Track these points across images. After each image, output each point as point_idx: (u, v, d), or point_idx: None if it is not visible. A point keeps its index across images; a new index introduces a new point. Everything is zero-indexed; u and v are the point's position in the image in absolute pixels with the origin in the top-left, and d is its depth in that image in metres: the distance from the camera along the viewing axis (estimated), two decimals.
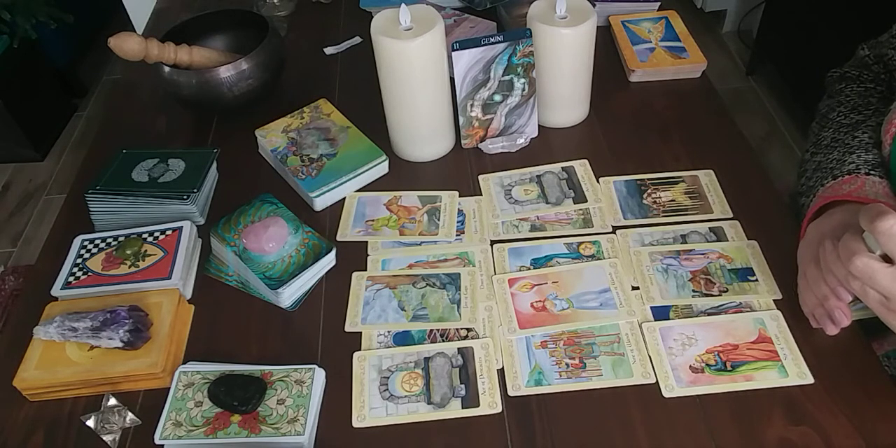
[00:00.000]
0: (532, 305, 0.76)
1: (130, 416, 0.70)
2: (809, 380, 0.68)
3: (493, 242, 0.84)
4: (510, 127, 0.96)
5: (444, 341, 0.74)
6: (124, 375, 0.71)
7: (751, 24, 2.52)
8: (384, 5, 1.19)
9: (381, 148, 0.93)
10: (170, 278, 0.78)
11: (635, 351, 0.71)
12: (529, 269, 0.80)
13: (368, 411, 0.69)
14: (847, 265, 0.60)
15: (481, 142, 0.96)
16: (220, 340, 0.76)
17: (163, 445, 0.66)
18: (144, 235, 0.83)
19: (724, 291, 0.76)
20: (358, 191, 0.92)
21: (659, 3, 1.17)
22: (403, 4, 0.84)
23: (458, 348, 0.73)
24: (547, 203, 0.88)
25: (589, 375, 0.70)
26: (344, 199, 0.91)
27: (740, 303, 0.75)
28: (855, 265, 0.59)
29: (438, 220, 0.87)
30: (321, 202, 0.89)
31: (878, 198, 0.68)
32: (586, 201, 0.88)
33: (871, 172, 0.72)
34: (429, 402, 0.69)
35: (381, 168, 0.93)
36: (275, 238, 0.80)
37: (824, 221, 0.70)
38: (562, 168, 0.93)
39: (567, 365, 0.71)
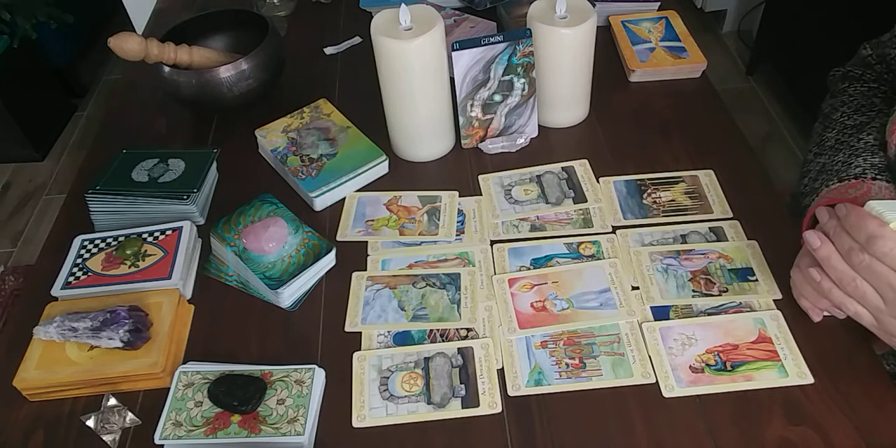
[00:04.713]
0: (532, 305, 0.76)
1: (130, 416, 0.70)
2: (809, 380, 0.68)
3: (493, 242, 0.84)
4: (510, 127, 0.96)
5: (444, 341, 0.74)
6: (124, 375, 0.71)
7: (751, 24, 2.52)
8: (384, 5, 1.19)
9: (381, 148, 0.93)
10: (170, 278, 0.78)
11: (635, 351, 0.71)
12: (529, 269, 0.80)
13: (368, 411, 0.69)
14: (870, 247, 0.59)
15: (481, 142, 0.96)
16: (220, 340, 0.76)
17: (163, 445, 0.66)
18: (144, 235, 0.83)
19: (724, 291, 0.76)
20: (358, 191, 0.92)
21: (659, 3, 1.17)
22: (403, 4, 0.84)
23: (458, 348, 0.73)
24: (547, 203, 0.88)
25: (589, 375, 0.70)
26: (344, 199, 0.91)
27: (740, 303, 0.75)
28: (879, 246, 0.59)
29: (438, 220, 0.87)
30: (321, 202, 0.89)
31: None
32: (586, 201, 0.88)
33: (878, 177, 0.72)
34: (429, 402, 0.69)
35: (381, 168, 0.93)
36: (275, 238, 0.80)
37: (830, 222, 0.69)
38: (562, 168, 0.93)
39: (567, 365, 0.71)
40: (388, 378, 0.71)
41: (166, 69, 0.97)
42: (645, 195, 0.88)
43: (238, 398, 0.67)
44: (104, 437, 0.68)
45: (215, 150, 0.93)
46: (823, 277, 0.65)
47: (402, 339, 0.75)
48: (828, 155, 0.79)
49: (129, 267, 0.80)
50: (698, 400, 0.67)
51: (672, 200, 0.87)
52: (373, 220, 0.88)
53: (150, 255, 0.81)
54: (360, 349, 0.74)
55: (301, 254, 0.81)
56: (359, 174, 0.91)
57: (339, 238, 0.86)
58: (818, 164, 0.80)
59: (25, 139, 2.31)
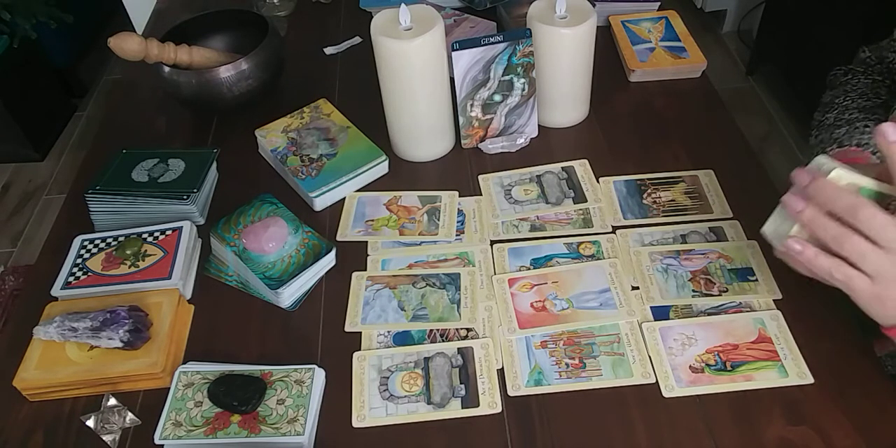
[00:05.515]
0: (532, 305, 0.76)
1: (130, 416, 0.70)
2: (809, 380, 0.68)
3: (492, 242, 0.84)
4: (510, 127, 0.96)
5: (443, 341, 0.74)
6: (124, 375, 0.71)
7: (751, 24, 2.52)
8: (384, 5, 1.19)
9: (381, 148, 0.93)
10: (170, 278, 0.78)
11: (635, 351, 0.71)
12: (529, 269, 0.80)
13: (368, 411, 0.69)
14: (852, 218, 0.53)
15: (481, 142, 0.96)
16: (220, 340, 0.76)
17: (163, 445, 0.66)
18: (144, 235, 0.83)
19: (724, 291, 0.76)
20: (358, 191, 0.92)
21: (659, 3, 1.17)
22: (403, 4, 0.84)
23: (458, 348, 0.73)
24: (547, 203, 0.88)
25: (589, 375, 0.70)
26: (344, 199, 0.91)
27: (740, 303, 0.75)
28: (863, 215, 0.52)
29: (438, 220, 0.87)
30: (321, 202, 0.89)
31: None
32: (586, 201, 0.88)
33: (877, 152, 0.70)
34: (429, 402, 0.69)
35: (381, 168, 0.93)
36: (275, 238, 0.80)
37: None
38: (562, 168, 0.93)
39: (567, 365, 0.71)
40: (387, 378, 0.71)
41: (166, 69, 0.97)
42: (645, 195, 0.88)
43: (238, 398, 0.67)
44: (104, 437, 0.68)
45: (215, 150, 0.93)
46: (805, 246, 0.57)
47: (402, 339, 0.75)
48: (828, 132, 0.78)
49: (129, 267, 0.80)
50: (698, 400, 0.67)
51: (672, 200, 0.87)
52: (373, 220, 0.88)
53: (150, 255, 0.81)
54: (360, 349, 0.74)
55: (301, 254, 0.81)
56: (359, 174, 0.91)
57: (339, 238, 0.86)
58: (818, 140, 0.78)
59: (25, 139, 2.31)
